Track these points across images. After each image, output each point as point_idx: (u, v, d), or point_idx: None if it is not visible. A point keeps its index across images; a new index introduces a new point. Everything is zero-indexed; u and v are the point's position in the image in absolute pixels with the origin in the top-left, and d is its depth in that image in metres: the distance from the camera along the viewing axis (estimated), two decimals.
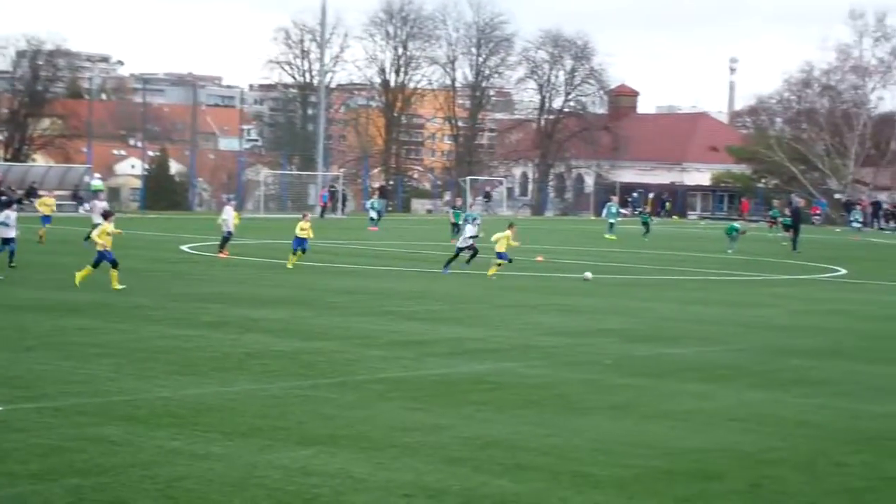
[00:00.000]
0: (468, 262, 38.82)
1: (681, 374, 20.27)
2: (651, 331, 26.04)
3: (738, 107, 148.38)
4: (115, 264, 30.11)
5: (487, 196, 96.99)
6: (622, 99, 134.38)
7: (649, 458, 13.99)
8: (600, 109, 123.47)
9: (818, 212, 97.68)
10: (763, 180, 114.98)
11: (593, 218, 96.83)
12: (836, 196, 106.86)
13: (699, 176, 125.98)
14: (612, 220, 65.98)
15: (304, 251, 38.80)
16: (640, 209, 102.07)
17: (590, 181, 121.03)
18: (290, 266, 38.02)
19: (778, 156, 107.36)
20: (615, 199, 74.07)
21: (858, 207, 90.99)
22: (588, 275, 37.14)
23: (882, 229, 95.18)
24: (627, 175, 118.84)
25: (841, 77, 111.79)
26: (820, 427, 16.24)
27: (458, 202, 65.79)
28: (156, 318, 25.23)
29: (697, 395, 18.33)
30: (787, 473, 13.59)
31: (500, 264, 37.42)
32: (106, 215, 32.05)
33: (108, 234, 30.48)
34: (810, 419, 16.72)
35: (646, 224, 66.97)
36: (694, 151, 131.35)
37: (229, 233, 42.51)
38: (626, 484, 12.86)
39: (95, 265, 30.37)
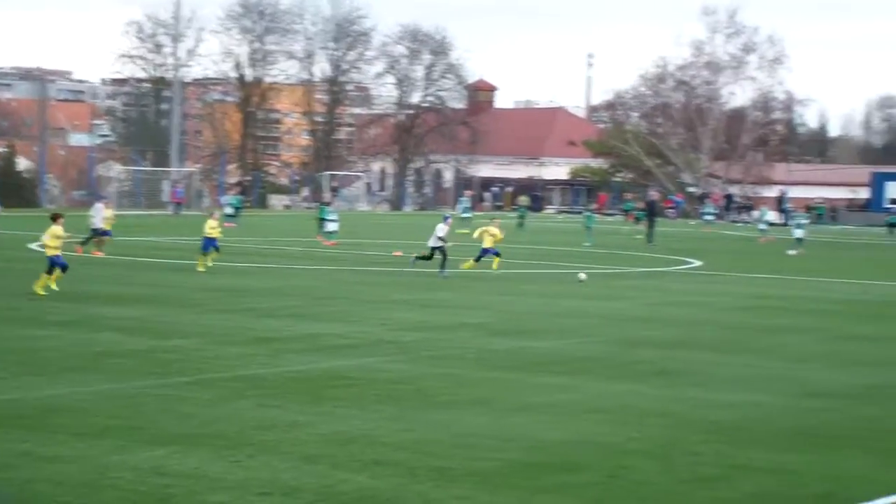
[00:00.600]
0: (442, 265, 37.65)
1: (541, 366, 20.35)
2: (512, 324, 26.13)
3: (595, 101, 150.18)
4: (64, 269, 29.17)
5: (335, 191, 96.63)
6: (480, 94, 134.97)
7: (510, 451, 14.00)
8: (459, 104, 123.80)
9: (672, 205, 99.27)
10: (620, 174, 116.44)
11: (452, 213, 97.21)
12: (690, 189, 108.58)
13: (557, 170, 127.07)
14: (465, 215, 66.75)
15: (216, 250, 37.84)
16: (504, 203, 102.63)
17: (449, 176, 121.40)
18: (202, 269, 36.65)
19: (634, 150, 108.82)
20: (468, 193, 74.78)
21: (711, 200, 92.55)
22: (582, 275, 36.65)
23: (734, 222, 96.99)
24: (486, 169, 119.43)
25: (695, 72, 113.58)
26: (676, 417, 16.42)
27: (326, 197, 65.58)
28: (5, 318, 24.62)
29: (558, 387, 18.42)
30: (643, 463, 13.71)
31: (498, 256, 38.53)
32: (55, 217, 30.40)
33: (59, 237, 29.35)
34: (667, 409, 16.89)
35: (522, 217, 67.72)
36: (552, 146, 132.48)
37: (97, 230, 41.97)
38: (487, 477, 12.85)
39: (49, 272, 29.26)
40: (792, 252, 53.02)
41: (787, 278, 40.99)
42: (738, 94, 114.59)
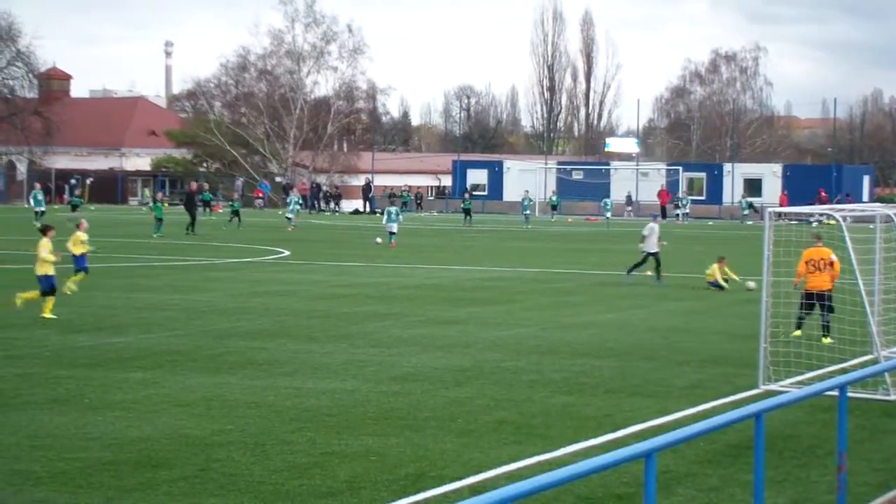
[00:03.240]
0: None
1: (125, 362, 19.76)
2: (92, 320, 25.29)
3: (176, 91, 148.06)
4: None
5: None
6: (54, 83, 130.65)
7: (94, 450, 13.57)
8: (30, 94, 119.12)
9: (261, 195, 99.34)
10: (205, 164, 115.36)
11: (27, 206, 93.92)
12: (277, 179, 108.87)
13: (139, 161, 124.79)
14: (38, 208, 64.71)
15: None
16: (83, 196, 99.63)
17: (22, 168, 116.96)
18: None
19: (218, 140, 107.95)
20: (39, 185, 72.40)
21: (298, 190, 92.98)
22: (751, 283, 33.25)
23: (322, 211, 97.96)
24: (63, 161, 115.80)
25: (276, 62, 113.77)
26: (267, 407, 16.26)
27: None
28: None
29: (142, 382, 17.92)
30: (235, 455, 13.50)
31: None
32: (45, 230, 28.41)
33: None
34: (257, 400, 16.71)
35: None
36: (133, 136, 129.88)
37: None
38: (70, 478, 12.42)
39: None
40: (379, 240, 53.82)
41: (373, 266, 41.57)
42: (321, 84, 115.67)
